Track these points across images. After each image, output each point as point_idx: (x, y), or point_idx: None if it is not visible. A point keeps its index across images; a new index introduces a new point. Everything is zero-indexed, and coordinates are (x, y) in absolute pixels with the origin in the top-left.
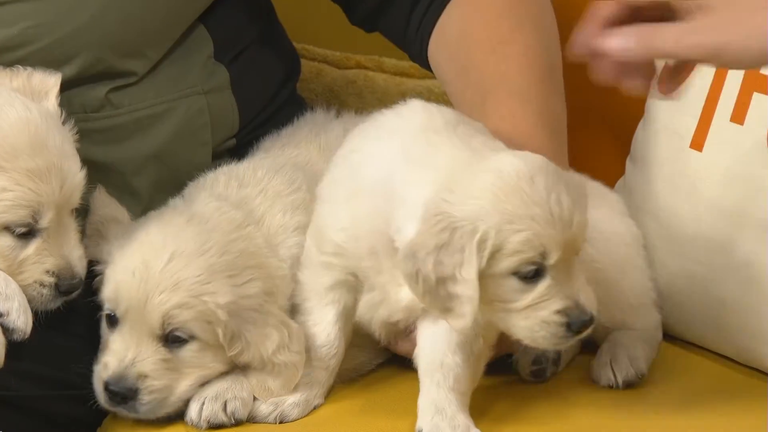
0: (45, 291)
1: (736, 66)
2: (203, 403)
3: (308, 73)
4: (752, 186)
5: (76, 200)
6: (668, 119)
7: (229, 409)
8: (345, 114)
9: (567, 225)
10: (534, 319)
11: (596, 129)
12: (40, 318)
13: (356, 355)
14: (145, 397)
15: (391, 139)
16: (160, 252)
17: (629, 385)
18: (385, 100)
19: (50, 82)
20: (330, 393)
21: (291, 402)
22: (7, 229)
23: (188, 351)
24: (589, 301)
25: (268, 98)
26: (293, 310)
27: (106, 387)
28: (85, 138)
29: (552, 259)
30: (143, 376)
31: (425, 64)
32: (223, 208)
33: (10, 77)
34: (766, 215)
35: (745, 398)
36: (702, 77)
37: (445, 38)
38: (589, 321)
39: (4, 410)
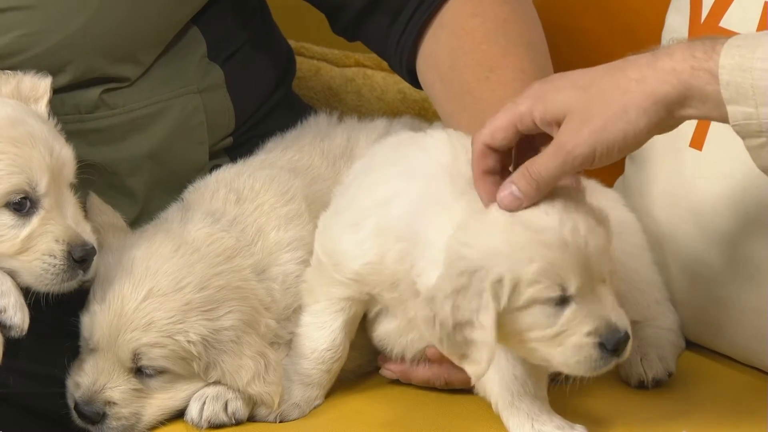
0: (57, 262)
1: (602, 165)
2: (204, 403)
3: (307, 71)
4: (752, 185)
5: (69, 173)
6: None
7: (230, 409)
8: (347, 119)
9: (582, 249)
10: (566, 345)
11: None
12: (50, 300)
13: (355, 357)
14: (112, 423)
15: (418, 179)
16: (137, 287)
17: (658, 383)
18: (384, 98)
19: (40, 89)
20: (329, 393)
21: (292, 402)
22: (6, 206)
23: (159, 381)
24: (621, 319)
25: (264, 97)
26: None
27: (76, 406)
28: (79, 139)
29: (572, 288)
30: (111, 403)
31: (405, 76)
32: (215, 235)
33: (1, 84)
34: (766, 214)
35: (745, 398)
36: None
37: (435, 60)
38: (624, 338)
39: (1, 407)
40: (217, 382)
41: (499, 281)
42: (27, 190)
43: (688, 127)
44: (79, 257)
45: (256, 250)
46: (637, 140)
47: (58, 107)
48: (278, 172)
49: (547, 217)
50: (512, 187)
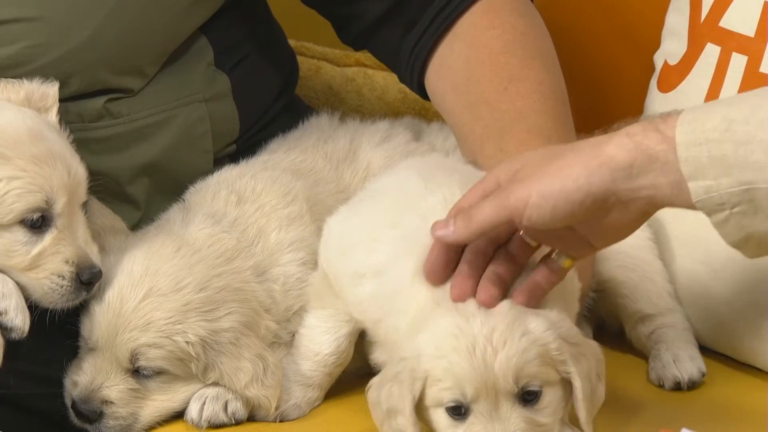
0: (65, 282)
1: (538, 224)
2: (204, 403)
3: (307, 70)
4: None
5: (83, 192)
6: None
7: (229, 409)
8: (349, 120)
9: (487, 362)
10: None
11: (595, 128)
12: (54, 318)
13: (356, 359)
14: (110, 422)
15: (411, 254)
16: (136, 287)
17: (693, 384)
18: (385, 97)
19: (50, 98)
20: (329, 394)
21: (292, 403)
22: (21, 222)
23: (156, 382)
24: None
25: (269, 103)
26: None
27: (73, 405)
28: (82, 147)
29: (468, 396)
30: (108, 402)
31: (415, 88)
32: (216, 236)
33: (9, 92)
34: None
35: (745, 397)
36: (701, 76)
37: (449, 71)
38: None
39: (2, 409)
40: (216, 383)
41: (415, 372)
42: (44, 208)
43: None
44: (87, 280)
45: (256, 251)
46: (572, 198)
47: (61, 115)
48: (280, 174)
49: (469, 322)
50: (450, 221)
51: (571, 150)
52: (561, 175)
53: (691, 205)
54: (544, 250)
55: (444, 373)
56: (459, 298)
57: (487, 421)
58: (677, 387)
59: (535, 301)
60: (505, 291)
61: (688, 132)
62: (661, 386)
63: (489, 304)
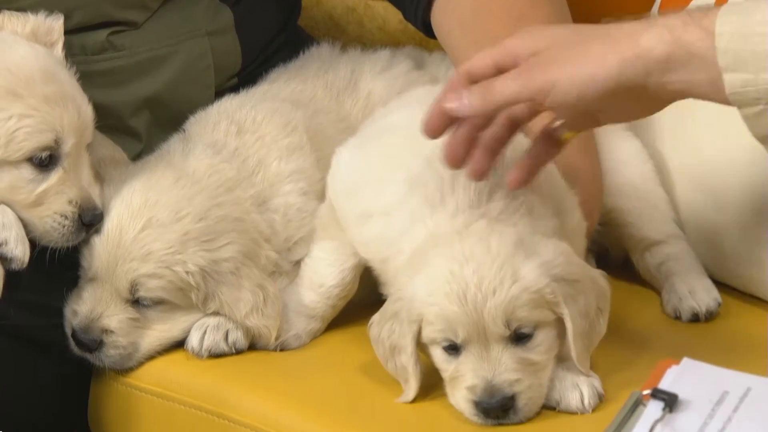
0: (67, 222)
1: (561, 107)
2: (205, 333)
3: (308, 0)
4: None
5: (90, 133)
6: None
7: (230, 338)
8: (350, 50)
9: (478, 308)
10: (456, 392)
11: None
12: (57, 255)
13: (358, 289)
14: (110, 351)
15: (416, 195)
16: (135, 217)
17: (711, 315)
18: (386, 28)
19: (55, 32)
20: (330, 324)
21: (293, 333)
22: (29, 160)
23: (156, 312)
24: (505, 386)
25: (271, 37)
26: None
27: (73, 334)
28: (85, 80)
29: (460, 338)
30: (108, 331)
31: (419, 25)
32: (216, 167)
33: (15, 24)
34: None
35: (746, 326)
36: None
37: (457, 6)
38: (496, 406)
39: (1, 339)
40: (216, 313)
41: (413, 312)
42: (53, 147)
43: None
44: (88, 222)
45: (257, 181)
46: (601, 87)
47: (65, 48)
48: (280, 105)
49: (461, 267)
50: (464, 93)
51: (604, 36)
52: (594, 63)
53: (723, 100)
54: (544, 118)
55: (436, 317)
56: (449, 160)
57: (478, 361)
58: (695, 318)
59: (532, 176)
60: (496, 159)
61: (732, 23)
62: (677, 318)
63: (477, 176)
